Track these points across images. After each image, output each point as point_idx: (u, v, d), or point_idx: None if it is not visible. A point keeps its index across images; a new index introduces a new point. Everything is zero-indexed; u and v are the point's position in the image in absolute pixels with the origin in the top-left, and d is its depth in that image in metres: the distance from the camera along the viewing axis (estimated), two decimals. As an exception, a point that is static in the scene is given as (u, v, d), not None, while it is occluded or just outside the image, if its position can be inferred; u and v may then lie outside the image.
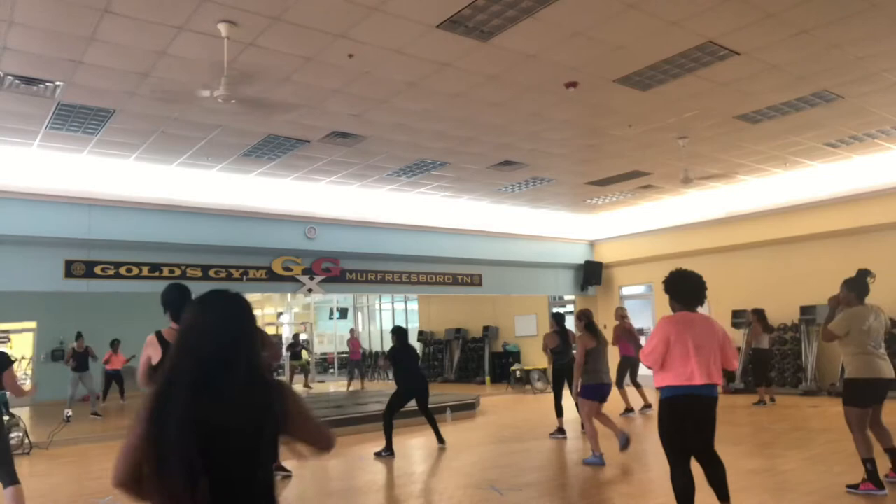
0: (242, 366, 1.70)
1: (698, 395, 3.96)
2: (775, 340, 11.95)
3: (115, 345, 13.57)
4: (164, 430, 1.60)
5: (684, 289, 4.16)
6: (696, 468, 4.03)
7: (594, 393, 6.95)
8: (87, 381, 12.40)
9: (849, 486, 5.11)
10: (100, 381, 13.58)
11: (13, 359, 4.89)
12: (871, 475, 4.99)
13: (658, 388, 4.09)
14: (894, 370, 5.19)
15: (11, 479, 4.66)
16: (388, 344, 22.18)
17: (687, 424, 4.02)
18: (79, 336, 12.65)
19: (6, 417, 9.49)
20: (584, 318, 7.34)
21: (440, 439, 8.03)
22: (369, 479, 6.62)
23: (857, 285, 5.26)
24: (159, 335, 3.79)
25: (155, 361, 3.71)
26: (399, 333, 8.31)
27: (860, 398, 5.14)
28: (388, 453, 7.53)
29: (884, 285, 10.87)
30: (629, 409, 10.16)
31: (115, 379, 14.03)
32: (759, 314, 11.03)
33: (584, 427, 7.88)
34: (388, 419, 7.72)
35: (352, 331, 18.92)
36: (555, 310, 10.65)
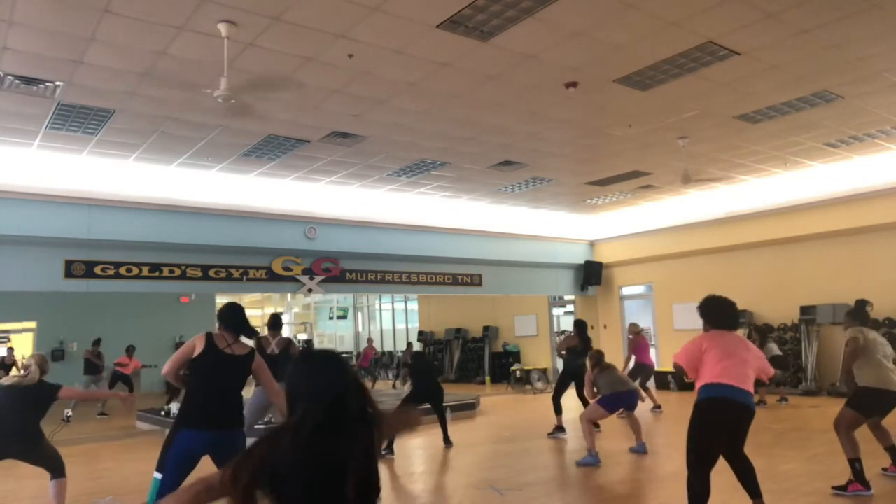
0: (353, 409, 1.89)
1: (731, 399, 3.99)
2: (775, 340, 11.98)
3: (130, 350, 13.62)
4: (283, 467, 1.75)
5: (719, 314, 4.28)
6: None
7: (611, 404, 7.12)
8: (98, 384, 12.91)
9: (835, 488, 5.12)
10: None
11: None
12: (858, 475, 5.04)
13: (699, 389, 4.17)
14: None
15: (58, 472, 4.85)
16: (389, 344, 22.28)
17: (717, 427, 4.07)
18: (97, 342, 13.06)
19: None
20: (593, 359, 7.66)
21: (447, 440, 8.11)
22: (369, 479, 6.62)
23: (860, 314, 5.54)
24: (209, 336, 3.89)
25: (197, 353, 3.81)
26: (415, 354, 8.96)
27: (867, 407, 5.23)
28: (387, 452, 7.55)
29: (884, 285, 10.95)
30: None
31: (122, 379, 14.14)
32: (759, 330, 11.58)
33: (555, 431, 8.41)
34: None
35: (370, 340, 19.15)
36: (576, 319, 10.79)
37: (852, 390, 5.44)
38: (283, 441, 1.80)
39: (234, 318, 3.96)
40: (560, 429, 8.46)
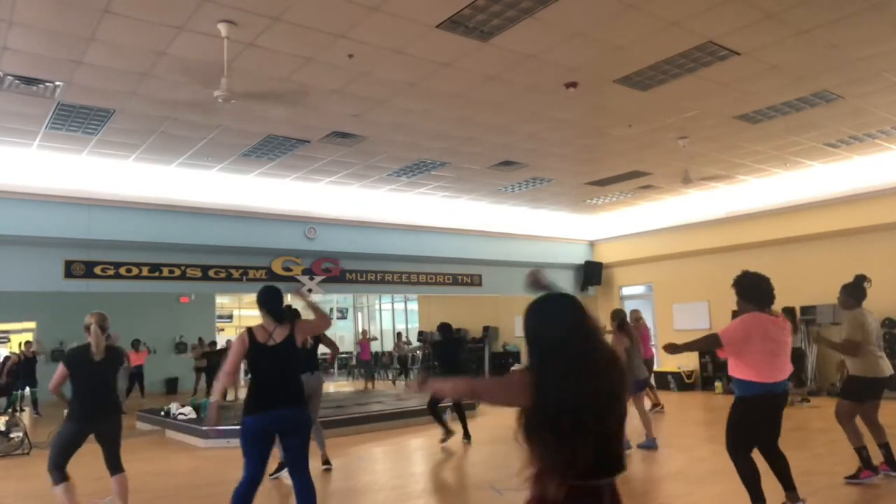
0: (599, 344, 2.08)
1: (779, 394, 4.22)
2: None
3: (135, 344, 14.55)
4: (562, 400, 1.94)
5: (758, 291, 4.37)
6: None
7: (634, 388, 7.40)
8: (120, 379, 13.04)
9: (847, 478, 5.25)
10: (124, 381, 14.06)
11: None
12: (867, 462, 5.19)
13: (737, 381, 4.26)
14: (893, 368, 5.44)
15: (116, 468, 4.92)
16: (389, 344, 22.30)
17: (765, 420, 4.26)
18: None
19: (8, 417, 9.49)
20: (617, 318, 7.73)
21: (466, 434, 8.22)
22: (369, 479, 6.62)
23: (856, 290, 5.54)
24: (250, 331, 4.19)
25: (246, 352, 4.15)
26: (443, 329, 8.57)
27: (858, 394, 5.37)
28: (447, 436, 7.80)
29: (883, 285, 10.94)
30: (659, 405, 10.41)
31: (135, 377, 14.42)
32: (790, 313, 10.79)
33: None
34: (433, 410, 7.86)
35: (364, 332, 19.07)
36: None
37: (845, 381, 5.56)
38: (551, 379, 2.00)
39: (270, 302, 4.30)
40: None
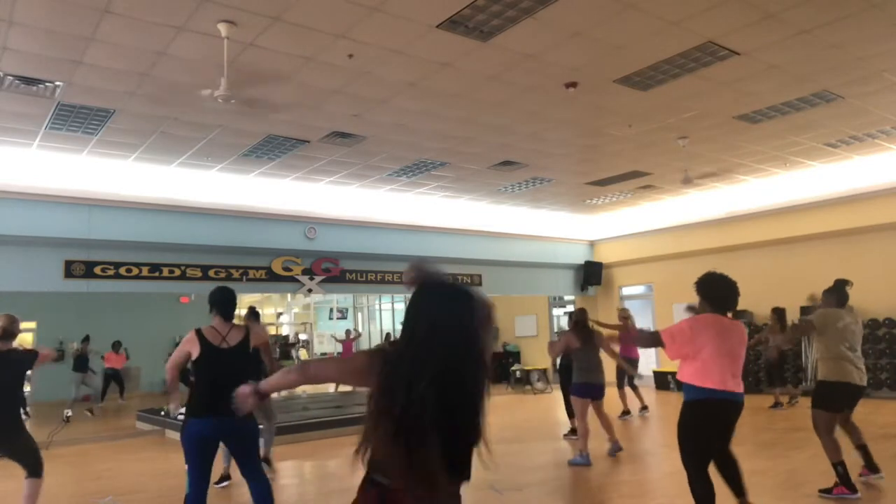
0: (475, 353, 1.95)
1: (732, 401, 3.92)
2: (775, 341, 11.93)
3: (116, 346, 14.23)
4: (409, 398, 1.84)
5: (718, 292, 4.15)
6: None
7: (584, 391, 7.02)
8: (89, 381, 13.23)
9: (821, 491, 5.07)
10: (99, 381, 13.96)
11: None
12: (844, 478, 4.97)
13: (686, 385, 3.99)
14: (867, 379, 5.19)
15: (33, 471, 4.82)
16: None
17: (715, 428, 3.99)
18: (86, 339, 13.35)
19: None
20: (575, 316, 7.49)
21: None
22: (369, 479, 6.61)
23: (838, 295, 5.33)
24: (199, 332, 4.07)
25: (195, 356, 4.03)
26: None
27: (828, 402, 5.14)
28: None
29: (884, 285, 10.95)
30: (626, 412, 9.96)
31: (113, 379, 14.26)
32: (780, 314, 10.57)
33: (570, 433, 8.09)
34: None
35: (347, 332, 18.89)
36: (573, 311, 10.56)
37: (814, 387, 5.32)
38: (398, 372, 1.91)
39: (222, 303, 4.20)
40: (574, 431, 8.40)
